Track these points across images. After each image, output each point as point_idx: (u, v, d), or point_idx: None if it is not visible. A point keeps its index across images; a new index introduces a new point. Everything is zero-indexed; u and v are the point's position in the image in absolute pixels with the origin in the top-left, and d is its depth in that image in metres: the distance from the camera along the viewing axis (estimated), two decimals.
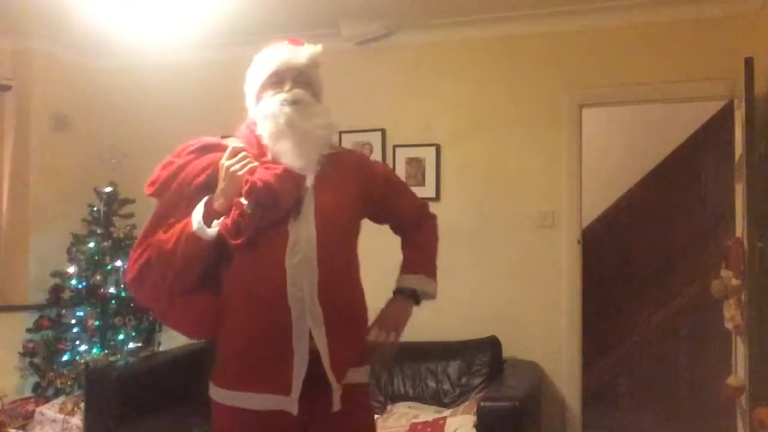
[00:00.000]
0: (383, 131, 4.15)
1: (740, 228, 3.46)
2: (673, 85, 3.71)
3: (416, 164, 4.07)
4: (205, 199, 1.70)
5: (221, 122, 4.45)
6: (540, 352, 3.81)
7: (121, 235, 4.26)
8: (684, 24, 3.68)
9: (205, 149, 1.79)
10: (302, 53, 1.81)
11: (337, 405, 1.67)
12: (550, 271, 3.86)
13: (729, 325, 3.38)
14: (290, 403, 1.64)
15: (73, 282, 4.15)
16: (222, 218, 1.67)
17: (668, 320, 4.80)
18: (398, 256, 1.97)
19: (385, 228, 2.02)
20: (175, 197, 1.73)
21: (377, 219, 1.95)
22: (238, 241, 1.64)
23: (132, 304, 4.17)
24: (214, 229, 1.66)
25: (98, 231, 4.25)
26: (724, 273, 3.36)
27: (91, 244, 4.21)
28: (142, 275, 1.73)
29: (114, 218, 4.30)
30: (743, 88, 3.19)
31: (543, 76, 3.91)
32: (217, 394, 1.74)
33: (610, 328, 4.84)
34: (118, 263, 4.20)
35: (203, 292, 1.73)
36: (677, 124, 4.90)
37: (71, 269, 4.18)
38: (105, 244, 4.21)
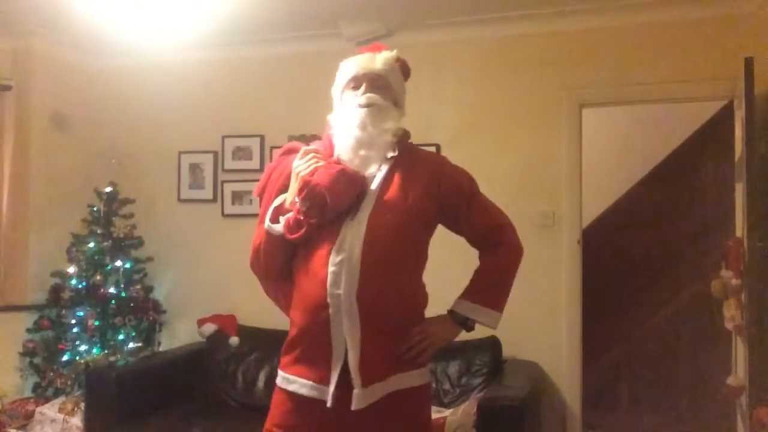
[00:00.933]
0: None
1: (740, 228, 3.46)
2: (673, 85, 3.71)
3: None
4: (280, 198, 1.87)
5: (221, 122, 4.50)
6: (540, 352, 3.80)
7: (121, 235, 4.26)
8: (684, 24, 3.68)
9: (289, 152, 1.96)
10: (378, 59, 1.90)
11: (357, 404, 1.68)
12: (550, 271, 3.85)
13: (729, 325, 3.38)
14: (325, 394, 1.71)
15: (73, 282, 4.15)
16: (287, 215, 1.79)
17: (668, 320, 4.80)
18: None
19: None
20: (267, 197, 1.93)
21: (450, 228, 1.94)
22: (295, 236, 1.76)
23: (132, 304, 4.18)
24: (280, 225, 1.80)
25: (98, 231, 4.25)
26: (724, 273, 3.36)
27: (91, 244, 4.21)
28: (253, 265, 1.94)
29: (114, 218, 4.30)
30: (743, 88, 3.19)
31: (543, 76, 3.90)
32: (278, 377, 1.85)
33: (610, 328, 4.84)
34: (118, 263, 4.21)
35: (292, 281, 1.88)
36: (677, 124, 4.90)
37: (71, 269, 4.18)
38: (105, 244, 4.21)
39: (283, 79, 4.35)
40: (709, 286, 3.45)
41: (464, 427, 3.05)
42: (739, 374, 3.38)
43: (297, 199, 1.75)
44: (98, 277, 4.13)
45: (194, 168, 4.57)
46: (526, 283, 3.84)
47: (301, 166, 1.81)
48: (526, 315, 3.86)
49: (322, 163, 1.80)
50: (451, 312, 1.88)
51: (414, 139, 4.10)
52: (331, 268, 1.70)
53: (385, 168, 1.81)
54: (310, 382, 1.74)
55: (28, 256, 4.31)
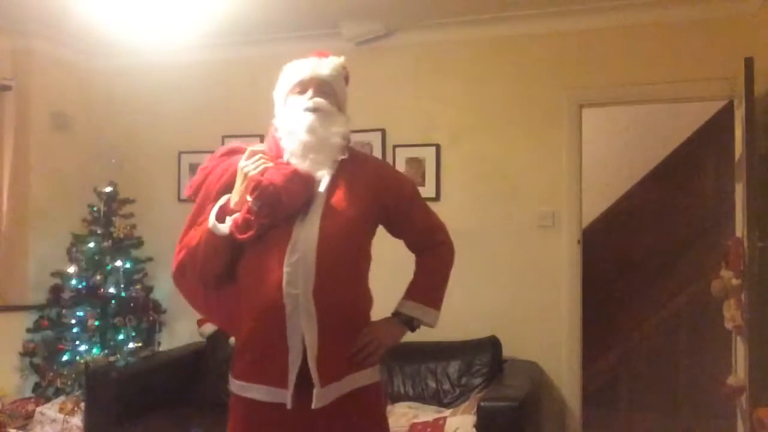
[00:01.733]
0: (383, 131, 4.15)
1: (740, 228, 3.46)
2: (673, 85, 3.71)
3: (416, 164, 4.07)
4: (224, 198, 1.83)
5: (221, 122, 4.50)
6: (540, 352, 3.80)
7: (121, 235, 4.26)
8: (684, 24, 3.68)
9: (231, 153, 1.94)
10: (326, 64, 1.91)
11: (317, 403, 1.69)
12: (550, 271, 3.86)
13: (729, 325, 3.38)
14: (285, 397, 1.70)
15: (73, 282, 4.15)
16: (234, 215, 1.77)
17: (668, 320, 4.80)
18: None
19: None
20: (204, 198, 1.88)
21: (391, 231, 1.97)
22: (244, 237, 1.74)
23: (132, 304, 4.18)
24: (226, 225, 1.77)
25: (98, 231, 4.25)
26: (724, 273, 3.36)
27: (91, 244, 4.21)
28: (181, 271, 1.88)
29: (114, 218, 4.30)
30: (743, 88, 3.19)
31: (543, 76, 3.91)
32: (232, 384, 1.83)
33: (610, 328, 4.84)
34: (118, 263, 4.21)
35: (233, 286, 1.84)
36: (677, 124, 4.90)
37: (71, 269, 4.18)
38: (105, 244, 4.21)
39: None
40: (709, 286, 3.45)
41: (464, 427, 3.06)
42: (739, 374, 3.38)
43: (249, 198, 1.74)
44: (98, 277, 4.14)
45: (194, 168, 4.52)
46: (526, 283, 3.90)
47: (249, 166, 1.79)
48: (526, 315, 3.87)
49: (270, 164, 1.80)
50: (396, 313, 1.90)
51: (414, 139, 4.17)
52: (286, 269, 1.70)
53: (331, 171, 1.83)
54: (267, 387, 1.73)
55: (28, 256, 4.31)
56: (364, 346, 1.80)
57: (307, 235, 1.73)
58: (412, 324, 1.90)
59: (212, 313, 1.97)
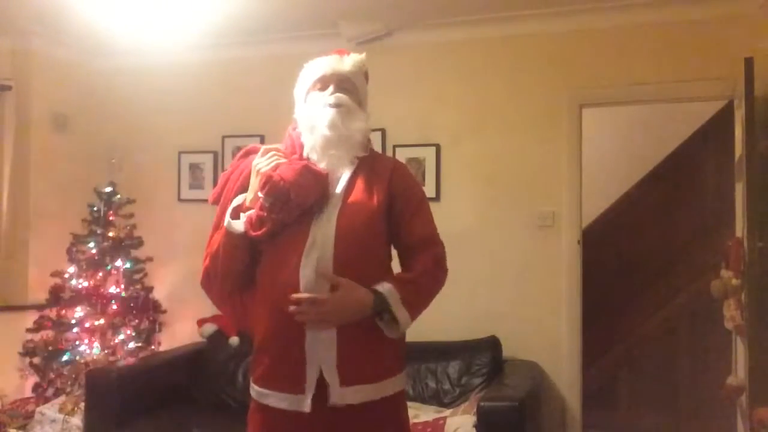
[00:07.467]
0: (383, 131, 4.14)
1: (740, 228, 3.46)
2: (673, 85, 3.71)
3: (416, 164, 4.07)
4: (240, 197, 1.83)
5: (221, 122, 4.51)
6: (540, 352, 3.80)
7: (121, 235, 4.26)
8: (684, 24, 3.68)
9: (248, 153, 1.94)
10: (346, 61, 1.90)
11: (334, 400, 1.66)
12: (550, 271, 3.86)
13: (729, 325, 3.38)
14: (302, 402, 1.67)
15: (73, 282, 4.15)
16: (249, 212, 1.75)
17: (668, 320, 4.79)
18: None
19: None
20: (224, 202, 1.89)
21: (389, 233, 1.86)
22: (258, 233, 1.72)
23: (132, 304, 4.18)
24: (240, 222, 1.76)
25: (98, 231, 4.25)
26: (724, 273, 3.36)
27: (91, 244, 4.21)
28: (208, 277, 1.86)
29: (114, 218, 4.30)
30: (743, 88, 3.19)
31: (543, 76, 3.91)
32: (252, 389, 1.81)
33: (610, 328, 4.83)
34: (118, 263, 4.21)
35: (256, 289, 1.83)
36: (677, 124, 4.89)
37: (71, 269, 4.19)
38: (105, 244, 4.21)
39: (283, 79, 4.33)
40: (709, 286, 3.45)
41: (464, 427, 3.06)
42: (739, 374, 3.39)
43: (260, 194, 1.72)
44: (98, 277, 4.14)
45: (194, 168, 4.58)
46: (526, 283, 3.91)
47: (261, 163, 1.80)
48: (526, 315, 3.87)
49: (283, 160, 1.79)
50: (376, 292, 1.70)
51: (414, 139, 4.18)
52: (303, 269, 1.68)
53: (349, 170, 1.81)
54: (286, 395, 1.69)
55: (28, 256, 4.31)
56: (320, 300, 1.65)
57: (324, 233, 1.71)
58: (381, 312, 1.71)
59: (239, 318, 1.93)
